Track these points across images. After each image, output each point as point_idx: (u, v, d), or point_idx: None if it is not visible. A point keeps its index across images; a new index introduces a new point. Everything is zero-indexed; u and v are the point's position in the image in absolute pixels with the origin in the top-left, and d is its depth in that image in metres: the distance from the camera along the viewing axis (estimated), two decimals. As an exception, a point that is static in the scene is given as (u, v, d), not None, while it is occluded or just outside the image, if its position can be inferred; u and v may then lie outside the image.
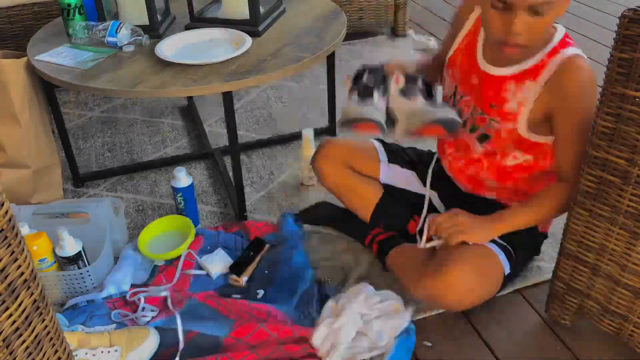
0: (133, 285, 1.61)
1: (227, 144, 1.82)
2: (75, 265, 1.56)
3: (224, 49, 1.73)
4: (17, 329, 0.80)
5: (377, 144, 1.72)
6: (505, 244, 1.44)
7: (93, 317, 1.50)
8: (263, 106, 2.56)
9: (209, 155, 2.22)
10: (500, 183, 1.49)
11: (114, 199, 1.83)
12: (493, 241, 1.43)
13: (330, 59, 2.11)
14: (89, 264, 1.58)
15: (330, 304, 1.46)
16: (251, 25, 1.81)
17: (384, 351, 1.37)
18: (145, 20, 1.82)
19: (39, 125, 1.84)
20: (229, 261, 1.67)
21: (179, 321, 1.46)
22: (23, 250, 0.80)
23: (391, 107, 1.40)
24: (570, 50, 1.29)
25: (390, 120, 1.40)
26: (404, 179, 1.68)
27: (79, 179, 2.07)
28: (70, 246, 1.55)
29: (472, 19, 1.45)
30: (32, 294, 0.82)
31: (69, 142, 2.00)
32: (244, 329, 1.42)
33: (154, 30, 1.83)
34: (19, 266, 0.79)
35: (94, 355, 1.32)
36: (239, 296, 1.56)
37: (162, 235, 1.75)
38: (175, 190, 1.78)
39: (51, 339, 0.88)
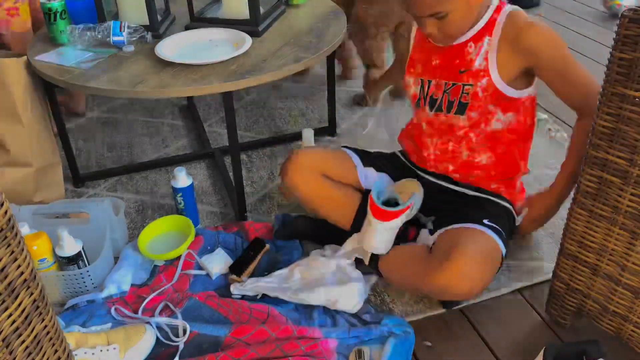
0: (133, 285, 1.61)
1: (227, 144, 1.82)
2: (75, 265, 1.56)
3: (224, 49, 1.73)
4: (17, 328, 0.80)
5: (349, 151, 1.69)
6: (495, 226, 1.47)
7: (93, 316, 1.50)
8: (263, 106, 2.56)
9: (209, 155, 2.22)
10: (494, 153, 1.53)
11: (114, 199, 1.83)
12: (486, 225, 1.45)
13: (330, 59, 2.11)
14: (89, 264, 1.58)
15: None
16: (251, 25, 1.81)
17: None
18: (145, 20, 1.82)
19: (41, 123, 1.84)
20: (229, 261, 1.66)
21: (179, 321, 1.46)
22: (23, 250, 0.80)
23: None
24: (510, 6, 1.42)
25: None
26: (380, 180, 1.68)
27: (79, 179, 2.07)
28: (70, 246, 1.55)
29: None
30: (31, 294, 0.82)
31: (69, 142, 2.00)
32: (244, 329, 1.43)
33: (154, 30, 1.83)
34: (19, 266, 0.79)
35: (93, 354, 1.32)
36: (239, 296, 1.57)
37: (162, 236, 1.76)
38: (175, 190, 1.77)
39: (51, 338, 0.88)
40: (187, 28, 1.86)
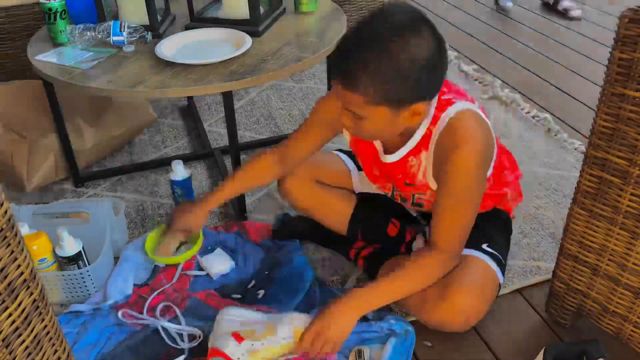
0: (134, 286, 1.61)
1: (227, 144, 1.82)
2: (75, 265, 1.56)
3: (224, 49, 1.73)
4: (17, 328, 0.80)
5: (341, 154, 1.68)
6: (495, 253, 1.43)
7: (96, 317, 1.50)
8: (263, 106, 2.56)
9: (209, 155, 2.22)
10: None
11: (114, 199, 1.83)
12: (485, 252, 1.41)
13: (330, 59, 2.11)
14: (89, 264, 1.58)
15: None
16: (251, 25, 1.81)
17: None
18: (145, 20, 1.82)
19: None
20: (229, 261, 1.67)
21: (191, 327, 1.46)
22: (22, 250, 0.80)
23: None
24: (453, 110, 1.26)
25: None
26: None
27: (79, 179, 2.07)
28: (70, 246, 1.55)
29: None
30: (31, 293, 0.82)
31: (69, 142, 2.00)
32: (245, 329, 1.43)
33: (154, 30, 1.83)
34: (19, 266, 0.79)
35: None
36: (238, 296, 1.57)
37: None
38: (175, 183, 1.78)
39: (51, 338, 0.88)
40: (187, 28, 1.86)
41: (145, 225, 1.87)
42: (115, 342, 1.44)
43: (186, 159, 2.18)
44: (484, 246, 1.43)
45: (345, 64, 1.15)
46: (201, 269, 1.66)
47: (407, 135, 1.32)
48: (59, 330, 0.90)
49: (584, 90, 2.64)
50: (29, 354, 0.83)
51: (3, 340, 0.78)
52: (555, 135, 2.26)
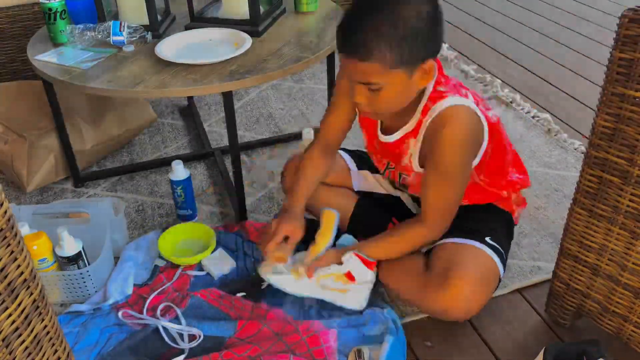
0: (134, 285, 1.61)
1: (227, 144, 1.82)
2: (75, 265, 1.56)
3: (224, 49, 1.73)
4: (17, 329, 0.80)
5: (343, 153, 1.69)
6: (497, 245, 1.44)
7: (95, 317, 1.50)
8: (263, 106, 2.56)
9: (209, 155, 2.22)
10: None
11: (113, 199, 1.83)
12: (488, 244, 1.42)
13: (330, 59, 2.11)
14: (89, 264, 1.58)
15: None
16: (251, 25, 1.81)
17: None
18: (145, 20, 1.82)
19: None
20: (229, 261, 1.67)
21: (191, 328, 1.46)
22: (22, 250, 0.80)
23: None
24: (444, 103, 1.29)
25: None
26: (376, 183, 1.68)
27: (79, 179, 2.07)
28: (70, 246, 1.55)
29: None
30: (31, 293, 0.82)
31: (69, 142, 2.00)
32: (248, 330, 1.43)
33: (154, 30, 1.83)
34: (19, 266, 0.79)
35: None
36: (242, 294, 1.56)
37: (181, 242, 1.75)
38: (175, 183, 1.78)
39: (50, 339, 0.88)
40: (187, 28, 1.86)
41: (145, 225, 1.87)
42: (115, 342, 1.44)
43: (186, 159, 2.19)
44: (487, 239, 1.44)
45: (356, 36, 1.18)
46: (201, 269, 1.66)
47: (402, 121, 1.37)
48: (59, 331, 0.90)
49: (584, 90, 2.64)
50: (29, 354, 0.83)
51: (3, 340, 0.77)
52: (555, 135, 2.26)
